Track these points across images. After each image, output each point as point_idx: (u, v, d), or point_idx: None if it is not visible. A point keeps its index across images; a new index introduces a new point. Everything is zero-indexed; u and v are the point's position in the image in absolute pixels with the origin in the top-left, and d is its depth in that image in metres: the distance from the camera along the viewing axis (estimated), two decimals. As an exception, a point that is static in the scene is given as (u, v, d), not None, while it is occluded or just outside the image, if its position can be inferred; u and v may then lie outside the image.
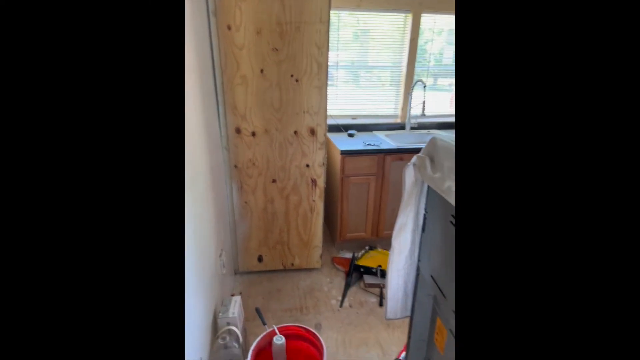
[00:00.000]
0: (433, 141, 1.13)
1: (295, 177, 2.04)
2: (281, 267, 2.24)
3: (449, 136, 1.11)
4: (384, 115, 2.74)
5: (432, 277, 1.18)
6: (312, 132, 1.95)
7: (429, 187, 1.21)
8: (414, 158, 1.19)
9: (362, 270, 2.17)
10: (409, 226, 1.28)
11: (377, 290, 2.07)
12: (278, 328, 1.38)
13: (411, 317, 1.40)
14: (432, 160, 1.12)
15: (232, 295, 1.78)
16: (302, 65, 1.81)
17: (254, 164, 1.97)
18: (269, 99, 1.85)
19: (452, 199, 0.96)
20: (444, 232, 1.08)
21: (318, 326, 1.81)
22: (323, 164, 2.03)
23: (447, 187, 0.99)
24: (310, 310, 1.93)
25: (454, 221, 1.01)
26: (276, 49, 1.76)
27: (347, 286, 2.10)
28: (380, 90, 2.68)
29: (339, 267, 2.31)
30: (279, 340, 1.31)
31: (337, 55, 2.51)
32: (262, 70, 1.79)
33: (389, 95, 2.70)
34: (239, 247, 2.14)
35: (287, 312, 1.92)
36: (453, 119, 2.80)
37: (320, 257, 2.25)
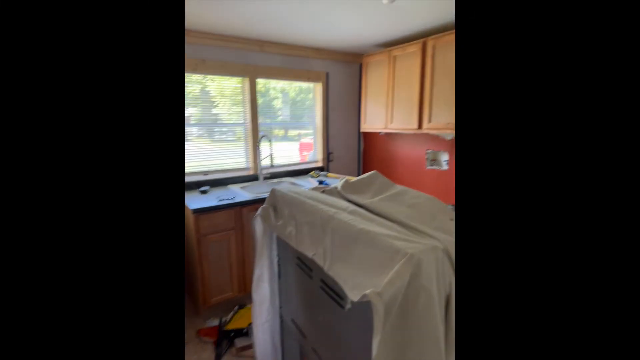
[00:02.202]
0: (273, 192, 1.24)
1: (139, 248, 1.77)
2: (130, 363, 1.80)
3: (286, 187, 1.25)
4: (237, 169, 2.80)
5: (293, 320, 1.23)
6: (155, 194, 1.78)
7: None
8: (259, 209, 1.26)
9: (232, 334, 2.01)
10: (266, 276, 1.31)
11: (251, 351, 1.94)
12: None
13: (283, 369, 1.38)
14: (275, 210, 1.22)
15: None
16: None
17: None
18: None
19: (293, 243, 1.06)
20: (295, 274, 1.16)
21: (185, 422, 1.52)
22: (173, 227, 1.86)
23: (289, 232, 1.09)
24: (174, 405, 1.61)
25: (299, 262, 1.11)
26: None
27: (218, 358, 1.89)
28: (231, 144, 2.76)
29: (206, 339, 2.06)
30: None
31: (188, 110, 2.47)
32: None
33: (239, 149, 2.80)
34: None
35: (141, 420, 1.53)
36: (301, 167, 3.15)
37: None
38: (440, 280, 0.65)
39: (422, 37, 2.34)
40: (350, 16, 1.97)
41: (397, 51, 2.51)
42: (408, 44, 2.40)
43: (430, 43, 2.23)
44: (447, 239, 0.73)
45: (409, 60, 2.42)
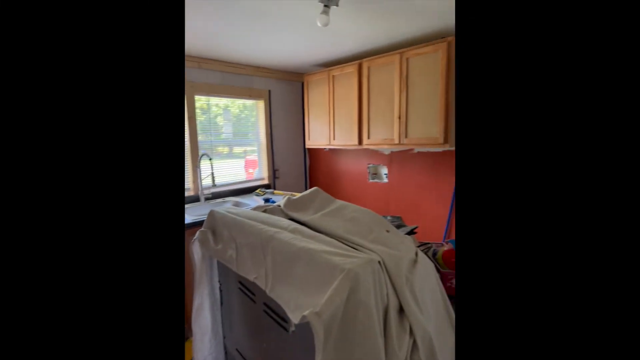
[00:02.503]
0: (212, 214, 1.18)
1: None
2: None
3: (227, 207, 1.20)
4: (175, 190, 2.62)
5: (237, 350, 1.15)
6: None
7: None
8: (197, 233, 1.18)
9: (172, 373, 1.81)
10: (206, 304, 1.22)
11: (195, 389, 1.77)
12: None
13: (229, 405, 1.28)
14: (214, 233, 1.15)
15: None
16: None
17: None
18: None
19: (234, 267, 1.01)
20: (238, 300, 1.10)
21: None
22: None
23: (229, 256, 1.04)
24: None
25: (241, 287, 1.05)
26: None
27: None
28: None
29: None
30: None
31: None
32: None
33: (178, 169, 2.63)
34: None
35: None
36: (247, 185, 3.06)
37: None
38: (377, 293, 0.67)
39: (358, 58, 2.50)
40: (288, 37, 2.02)
41: (335, 71, 2.63)
42: (345, 64, 2.54)
43: (365, 64, 2.39)
44: (383, 251, 0.76)
45: (347, 80, 2.55)
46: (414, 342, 0.70)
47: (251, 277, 0.91)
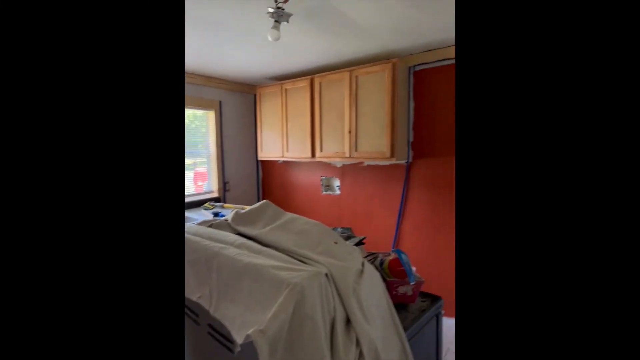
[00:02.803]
0: (152, 231, 1.09)
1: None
2: None
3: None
4: (112, 205, 2.39)
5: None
6: None
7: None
8: (135, 252, 1.09)
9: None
10: (144, 330, 1.11)
11: None
12: None
13: None
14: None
15: None
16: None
17: None
18: None
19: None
20: (187, 324, 1.02)
21: None
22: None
23: (171, 275, 0.97)
24: None
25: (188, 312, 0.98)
26: None
27: None
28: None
29: None
30: None
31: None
32: None
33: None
34: None
35: None
36: (195, 198, 2.90)
37: None
38: (324, 306, 0.67)
39: (310, 74, 2.56)
40: (240, 48, 2.01)
41: (288, 85, 2.66)
42: (298, 79, 2.58)
43: (317, 80, 2.45)
44: (331, 263, 0.77)
45: (299, 94, 2.60)
46: (361, 352, 0.71)
47: (194, 297, 0.86)
